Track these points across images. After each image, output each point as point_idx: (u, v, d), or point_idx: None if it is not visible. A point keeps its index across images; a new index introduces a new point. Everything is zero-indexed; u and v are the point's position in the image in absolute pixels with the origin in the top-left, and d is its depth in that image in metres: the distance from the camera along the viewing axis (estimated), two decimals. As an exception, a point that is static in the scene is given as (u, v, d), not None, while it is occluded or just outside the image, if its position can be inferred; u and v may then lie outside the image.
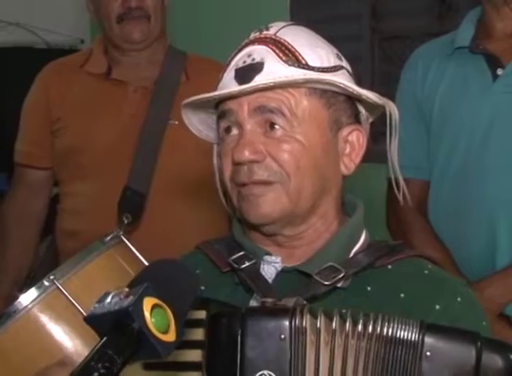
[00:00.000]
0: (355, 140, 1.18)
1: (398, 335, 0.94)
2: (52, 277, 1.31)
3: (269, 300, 1.02)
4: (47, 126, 2.19)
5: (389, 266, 1.15)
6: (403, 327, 0.95)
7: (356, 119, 1.19)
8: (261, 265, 1.16)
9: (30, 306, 1.29)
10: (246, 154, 1.10)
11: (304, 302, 1.04)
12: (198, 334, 0.99)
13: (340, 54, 1.18)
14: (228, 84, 1.14)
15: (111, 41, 2.17)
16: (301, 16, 3.10)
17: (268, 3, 3.28)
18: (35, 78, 2.25)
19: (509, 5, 1.86)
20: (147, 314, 0.82)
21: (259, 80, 1.10)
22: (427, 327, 0.94)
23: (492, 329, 1.23)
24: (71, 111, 2.16)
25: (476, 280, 1.80)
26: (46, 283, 1.31)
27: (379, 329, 0.95)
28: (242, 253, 1.17)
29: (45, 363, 1.15)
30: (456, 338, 0.94)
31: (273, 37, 1.14)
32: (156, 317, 0.83)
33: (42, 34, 3.77)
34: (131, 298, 0.82)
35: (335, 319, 0.96)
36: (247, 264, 1.15)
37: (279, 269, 1.16)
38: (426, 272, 1.16)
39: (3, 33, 3.68)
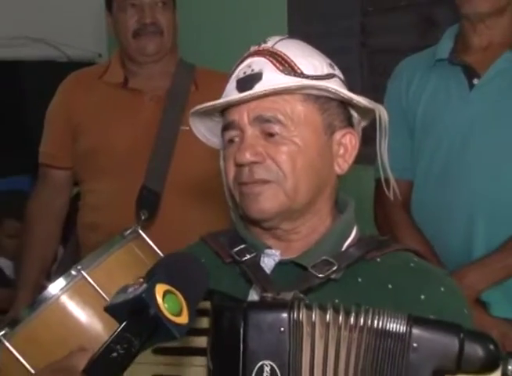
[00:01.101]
0: (348, 142, 1.15)
1: (387, 328, 0.91)
2: (78, 267, 1.30)
3: (269, 294, 0.99)
4: (68, 130, 2.17)
5: (378, 259, 1.12)
6: (392, 319, 0.92)
7: (349, 123, 1.16)
8: (262, 258, 1.13)
9: (59, 294, 1.28)
10: (248, 156, 1.08)
11: (301, 296, 1.01)
12: (203, 322, 0.97)
13: (332, 63, 1.16)
14: (231, 94, 1.12)
15: (128, 54, 2.15)
16: (297, 31, 3.09)
17: (268, 20, 3.27)
18: (58, 88, 2.24)
19: (485, 22, 1.85)
20: (159, 299, 0.81)
21: (258, 88, 1.08)
22: (414, 320, 0.92)
23: (470, 314, 1.22)
24: (91, 117, 2.14)
25: (454, 269, 1.77)
26: (73, 273, 1.29)
27: (369, 322, 0.92)
28: (243, 246, 1.14)
29: (73, 346, 1.12)
30: (441, 330, 0.91)
31: (270, 49, 1.12)
32: (168, 302, 0.82)
33: (64, 48, 3.77)
34: (144, 286, 0.82)
35: (329, 312, 0.93)
36: (248, 256, 1.12)
37: (277, 261, 1.13)
38: (412, 264, 1.13)
39: (29, 48, 3.69)
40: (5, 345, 1.27)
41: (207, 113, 1.18)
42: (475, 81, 1.86)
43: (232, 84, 1.13)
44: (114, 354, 0.80)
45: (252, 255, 1.12)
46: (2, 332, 1.27)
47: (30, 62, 3.68)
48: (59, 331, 1.28)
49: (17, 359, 1.27)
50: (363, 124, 1.20)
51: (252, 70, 1.10)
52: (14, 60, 3.65)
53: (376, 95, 1.32)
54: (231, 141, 1.13)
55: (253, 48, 1.15)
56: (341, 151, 1.14)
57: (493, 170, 1.82)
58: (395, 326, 0.91)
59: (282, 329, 0.91)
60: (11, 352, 1.27)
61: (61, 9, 3.74)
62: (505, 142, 1.82)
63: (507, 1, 1.83)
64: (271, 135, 1.09)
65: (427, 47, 2.03)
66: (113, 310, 0.84)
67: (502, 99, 1.83)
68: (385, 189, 1.21)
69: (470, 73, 1.87)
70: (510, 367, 0.90)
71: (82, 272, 1.29)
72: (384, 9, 2.99)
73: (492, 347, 0.90)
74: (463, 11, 1.86)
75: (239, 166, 1.10)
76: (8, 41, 3.60)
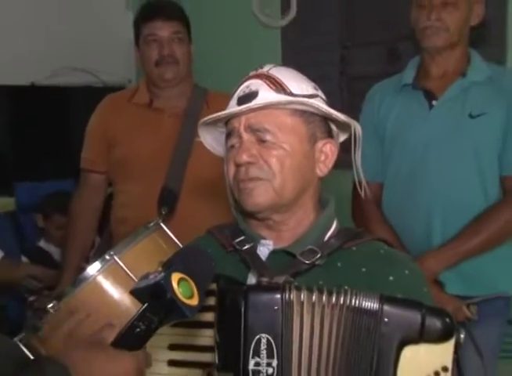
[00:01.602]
0: (328, 150, 1.13)
1: (362, 305, 0.91)
2: (111, 253, 1.27)
3: (265, 279, 0.99)
4: (104, 142, 2.15)
5: (354, 248, 1.11)
6: (366, 298, 0.91)
7: (329, 134, 1.14)
8: (258, 247, 1.11)
9: (95, 274, 1.25)
10: (244, 158, 1.07)
11: (292, 279, 1.00)
12: (211, 300, 0.96)
13: (316, 86, 1.14)
14: (232, 108, 1.11)
15: (151, 80, 2.13)
16: (289, 60, 3.10)
17: (266, 52, 3.27)
18: (96, 107, 2.22)
19: (441, 54, 1.85)
20: (175, 285, 0.80)
21: (254, 102, 1.08)
22: (385, 299, 0.91)
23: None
24: (122, 131, 2.12)
25: (417, 255, 1.76)
26: (107, 258, 1.27)
27: (348, 301, 0.91)
28: (243, 237, 1.13)
29: (105, 317, 1.11)
30: (407, 307, 0.91)
31: (266, 73, 1.11)
32: (182, 288, 0.81)
33: (100, 76, 3.75)
34: (162, 274, 0.81)
35: (315, 293, 0.92)
36: (247, 246, 1.11)
37: (271, 249, 1.11)
38: (381, 251, 1.12)
39: (72, 76, 3.67)
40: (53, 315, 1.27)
41: (213, 124, 1.17)
42: (434, 103, 1.85)
43: (233, 100, 1.12)
44: (137, 330, 0.81)
45: (250, 245, 1.11)
46: (51, 304, 1.27)
47: (72, 87, 3.67)
48: (95, 304, 1.26)
49: (61, 327, 1.26)
50: (343, 138, 1.18)
51: (250, 90, 1.09)
52: (60, 86, 3.64)
53: (354, 114, 1.30)
54: (232, 147, 1.12)
55: (252, 73, 1.14)
56: (322, 157, 1.13)
57: (448, 174, 1.82)
58: (369, 304, 0.90)
59: (276, 307, 0.90)
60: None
61: (98, 43, 3.73)
62: (457, 152, 1.81)
63: (458, 38, 1.83)
64: (263, 141, 1.08)
65: (394, 74, 2.02)
66: (137, 293, 0.83)
67: (455, 117, 1.82)
68: (359, 189, 1.19)
69: (430, 96, 1.86)
70: (461, 336, 0.90)
71: (114, 257, 1.27)
72: (359, 43, 2.99)
73: (448, 320, 0.89)
74: (423, 45, 1.86)
75: (238, 166, 1.09)
76: (55, 71, 3.60)
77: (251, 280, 1.07)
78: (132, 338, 0.81)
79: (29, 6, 3.57)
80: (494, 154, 1.80)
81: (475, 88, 1.82)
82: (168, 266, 0.83)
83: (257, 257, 1.09)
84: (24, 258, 2.93)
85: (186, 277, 0.83)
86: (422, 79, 1.89)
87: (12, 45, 3.48)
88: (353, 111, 1.42)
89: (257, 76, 1.11)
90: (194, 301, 0.82)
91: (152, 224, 1.44)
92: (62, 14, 3.64)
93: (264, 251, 1.11)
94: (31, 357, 0.94)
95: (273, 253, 1.11)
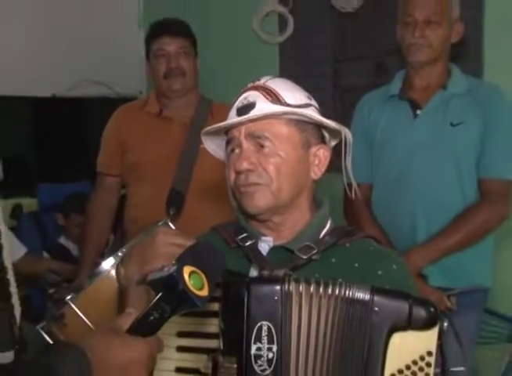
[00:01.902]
0: (321, 155, 1.12)
1: (355, 296, 0.90)
2: (124, 250, 1.27)
3: (265, 272, 0.98)
4: (118, 147, 2.14)
5: (347, 244, 1.10)
6: (359, 290, 0.91)
7: (322, 140, 1.13)
8: (259, 244, 1.11)
9: (109, 269, 1.27)
10: (244, 165, 1.06)
11: (290, 272, 0.99)
12: (216, 292, 0.93)
13: (310, 96, 1.13)
14: (232, 118, 1.10)
15: (160, 91, 2.13)
16: (286, 73, 3.03)
17: (265, 65, 3.25)
18: (111, 116, 2.22)
19: (424, 68, 1.84)
20: (186, 277, 0.79)
21: (252, 113, 1.07)
22: (375, 290, 0.90)
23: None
24: (135, 138, 2.11)
25: (403, 251, 1.75)
26: (120, 254, 1.28)
27: (342, 292, 0.91)
28: (245, 234, 1.12)
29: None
30: (395, 298, 0.90)
31: (262, 85, 1.10)
32: (193, 280, 0.80)
33: (114, 87, 3.75)
34: (175, 267, 0.80)
35: (312, 285, 0.91)
36: (249, 242, 1.10)
37: (271, 246, 1.10)
38: (371, 248, 1.11)
39: (88, 88, 3.67)
40: (71, 305, 1.26)
41: (215, 133, 1.16)
42: (418, 112, 1.85)
43: (233, 111, 1.11)
44: (151, 318, 0.80)
45: (252, 242, 1.10)
46: (69, 296, 1.26)
47: (90, 98, 3.67)
48: (109, 295, 1.25)
49: (80, 316, 1.26)
50: (334, 142, 1.17)
51: (248, 101, 1.08)
52: (79, 97, 3.64)
53: (346, 122, 1.29)
54: (232, 151, 1.11)
55: (249, 85, 1.13)
56: (316, 161, 1.12)
57: (431, 177, 1.81)
58: (361, 295, 0.90)
59: (276, 298, 0.90)
60: (75, 311, 1.26)
61: (113, 58, 3.72)
62: (439, 157, 1.81)
63: (440, 54, 1.83)
64: (262, 146, 1.07)
65: (382, 86, 2.01)
66: (151, 284, 0.82)
67: (437, 125, 1.82)
68: (347, 190, 1.18)
69: (414, 106, 1.85)
70: (445, 324, 0.89)
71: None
72: (350, 58, 2.98)
73: (432, 310, 0.89)
74: (408, 60, 1.86)
75: (238, 173, 1.08)
76: (74, 84, 3.60)
77: (253, 273, 1.06)
78: (146, 325, 0.80)
79: (52, 24, 3.58)
80: (472, 159, 1.80)
81: (455, 99, 1.82)
82: (181, 260, 0.83)
83: (259, 252, 1.09)
84: (46, 254, 2.93)
85: (197, 270, 0.82)
86: (407, 90, 1.88)
87: (35, 60, 3.49)
88: (345, 119, 1.41)
89: (255, 88, 1.10)
90: (204, 293, 0.81)
91: (161, 223, 1.43)
92: (81, 32, 3.64)
93: (264, 247, 1.10)
94: (51, 342, 0.93)
95: (273, 249, 1.10)
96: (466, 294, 1.79)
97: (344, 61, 3.01)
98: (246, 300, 0.89)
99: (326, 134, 1.14)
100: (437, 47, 1.80)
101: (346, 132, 1.11)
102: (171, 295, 0.80)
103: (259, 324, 0.89)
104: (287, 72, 3.10)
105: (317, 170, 1.12)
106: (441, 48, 1.82)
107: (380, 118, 1.91)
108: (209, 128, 1.14)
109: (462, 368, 1.70)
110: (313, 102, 1.13)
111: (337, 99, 3.00)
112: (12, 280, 0.80)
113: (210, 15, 3.44)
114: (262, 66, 3.25)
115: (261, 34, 3.24)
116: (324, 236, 1.11)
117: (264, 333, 0.89)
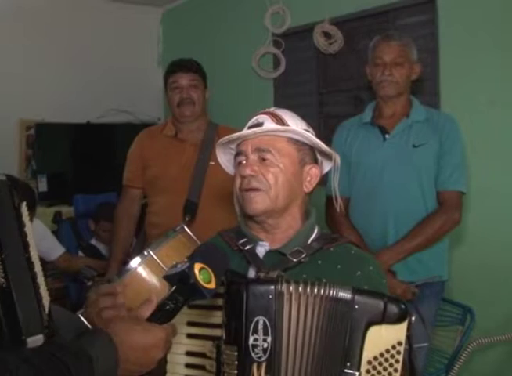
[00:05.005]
0: (313, 173, 1.10)
1: (339, 296, 0.87)
2: (148, 250, 1.25)
3: (262, 273, 0.95)
4: (141, 164, 2.11)
5: (331, 249, 1.07)
6: (342, 290, 0.87)
7: (315, 161, 1.11)
8: (257, 248, 1.08)
9: (136, 266, 1.24)
10: (248, 171, 1.05)
11: (283, 274, 0.96)
12: (220, 289, 0.91)
13: (308, 125, 1.12)
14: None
15: (175, 117, 2.11)
16: (279, 103, 3.08)
17: (261, 97, 3.25)
18: (135, 138, 2.19)
19: (392, 100, 1.84)
20: (197, 272, 0.78)
21: (259, 130, 1.06)
22: (356, 290, 0.87)
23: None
24: (155, 156, 2.09)
25: (375, 251, 1.74)
26: (145, 254, 1.25)
27: (327, 292, 0.87)
28: (245, 239, 1.09)
29: (144, 298, 1.08)
30: (372, 297, 0.87)
31: (271, 111, 1.10)
32: (202, 274, 0.79)
33: (137, 115, 3.75)
34: (187, 264, 0.79)
35: (300, 285, 0.88)
36: (249, 246, 1.07)
37: (267, 250, 1.08)
38: (352, 252, 1.08)
39: (116, 116, 3.68)
40: None
41: (226, 146, 1.14)
42: (387, 136, 1.84)
43: (245, 129, 1.10)
44: (167, 307, 0.78)
45: (251, 246, 1.07)
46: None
47: (117, 124, 3.66)
48: (136, 289, 1.24)
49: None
50: (328, 168, 1.15)
51: (257, 121, 1.08)
52: (108, 123, 3.64)
53: (328, 144, 1.27)
54: (239, 164, 1.09)
55: (260, 111, 1.12)
56: (308, 178, 1.09)
57: (398, 190, 1.80)
58: (344, 294, 0.87)
59: (270, 296, 0.87)
60: None
61: (136, 91, 3.73)
62: (405, 173, 1.80)
63: (404, 89, 1.83)
64: (264, 159, 1.05)
65: (357, 114, 2.00)
66: (167, 278, 0.81)
67: (402, 147, 1.81)
68: (334, 203, 1.15)
69: (383, 131, 1.84)
70: (413, 318, 0.86)
71: (151, 253, 1.25)
72: (332, 91, 2.98)
73: (403, 306, 0.86)
74: (378, 93, 1.85)
75: (243, 178, 1.06)
76: (104, 112, 3.61)
77: (251, 273, 1.04)
78: (163, 313, 0.79)
79: (86, 63, 3.60)
80: (432, 175, 1.79)
81: (416, 125, 1.81)
82: (192, 258, 0.81)
83: (256, 255, 1.06)
84: (80, 253, 2.91)
85: (206, 267, 0.80)
86: (377, 118, 1.87)
87: (73, 93, 3.52)
88: (328, 142, 1.40)
89: (264, 113, 1.10)
90: (212, 286, 0.79)
91: (178, 228, 1.41)
92: (110, 69, 3.66)
93: (261, 250, 1.08)
94: (89, 326, 0.90)
95: (269, 252, 1.07)
96: (427, 285, 1.78)
97: (327, 93, 3.00)
98: (245, 298, 0.87)
99: (318, 156, 1.12)
100: (401, 83, 1.81)
101: (336, 156, 1.09)
102: (184, 288, 0.78)
103: (256, 319, 0.86)
104: (280, 102, 3.10)
105: (309, 185, 1.10)
106: (404, 84, 1.82)
107: (355, 141, 1.89)
108: (223, 138, 1.12)
109: (425, 344, 1.70)
110: (311, 130, 1.12)
111: (322, 125, 2.99)
112: (39, 272, 0.76)
113: (217, 55, 3.45)
114: (260, 97, 3.26)
115: (258, 71, 3.24)
116: (312, 241, 1.08)
117: (260, 326, 0.86)
